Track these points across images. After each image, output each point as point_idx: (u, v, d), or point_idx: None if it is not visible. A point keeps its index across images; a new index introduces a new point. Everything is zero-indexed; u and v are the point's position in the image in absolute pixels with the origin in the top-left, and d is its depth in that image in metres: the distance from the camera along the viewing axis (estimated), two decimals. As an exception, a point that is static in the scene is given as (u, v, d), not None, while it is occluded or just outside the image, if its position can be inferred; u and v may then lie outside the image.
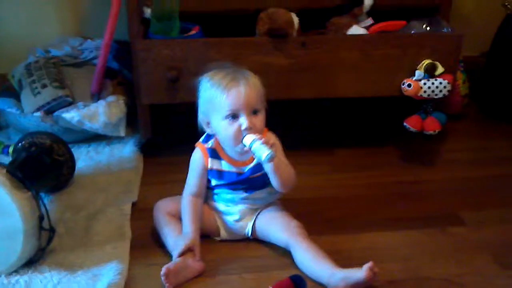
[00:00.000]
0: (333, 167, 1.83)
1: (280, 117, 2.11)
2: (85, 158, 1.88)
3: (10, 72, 2.03)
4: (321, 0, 1.80)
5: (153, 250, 1.44)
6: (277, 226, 1.43)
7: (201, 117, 1.41)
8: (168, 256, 1.40)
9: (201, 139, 1.46)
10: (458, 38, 1.70)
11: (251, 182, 1.44)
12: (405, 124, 1.75)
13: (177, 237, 1.39)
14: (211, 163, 1.43)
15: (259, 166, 1.40)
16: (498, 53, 2.13)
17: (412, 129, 1.74)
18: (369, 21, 1.77)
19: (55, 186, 1.66)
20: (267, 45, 1.67)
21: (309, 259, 1.33)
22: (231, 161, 1.42)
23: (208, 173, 1.44)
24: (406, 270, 1.37)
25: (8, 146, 1.85)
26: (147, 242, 1.47)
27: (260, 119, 1.37)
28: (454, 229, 1.53)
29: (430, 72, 1.67)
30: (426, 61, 1.68)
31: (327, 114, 2.18)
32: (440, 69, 1.68)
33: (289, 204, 1.58)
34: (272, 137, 1.40)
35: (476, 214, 1.59)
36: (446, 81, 1.69)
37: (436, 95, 1.69)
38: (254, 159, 1.37)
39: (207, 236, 1.47)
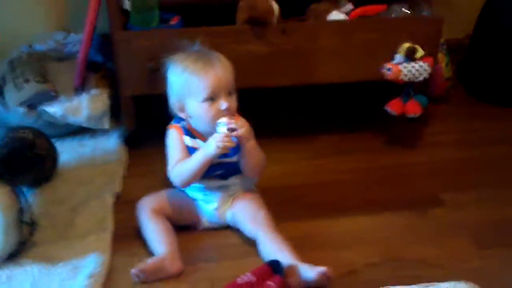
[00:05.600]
0: (315, 153, 1.83)
1: (262, 104, 2.11)
2: (69, 151, 1.88)
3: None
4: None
5: (136, 241, 1.45)
6: (245, 216, 1.43)
7: (173, 102, 1.41)
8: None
9: (171, 122, 1.46)
10: (438, 21, 1.70)
11: (226, 167, 1.45)
12: (386, 107, 1.75)
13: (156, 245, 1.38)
14: (187, 141, 1.44)
15: (233, 150, 1.40)
16: (482, 34, 2.13)
17: (393, 112, 1.75)
18: (349, 6, 1.77)
19: (38, 180, 1.67)
20: (246, 33, 1.67)
21: (271, 250, 1.33)
22: (205, 139, 1.42)
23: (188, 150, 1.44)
24: (384, 253, 1.39)
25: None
26: (129, 233, 1.48)
27: (234, 100, 1.40)
28: (434, 211, 1.55)
29: (410, 56, 1.67)
30: (406, 45, 1.68)
31: (310, 100, 2.17)
32: (420, 52, 1.68)
33: (270, 191, 1.60)
34: (243, 121, 1.41)
35: (457, 196, 1.60)
36: (426, 64, 1.69)
37: (416, 78, 1.69)
38: None
39: (189, 227, 1.48)
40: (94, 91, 1.92)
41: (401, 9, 1.75)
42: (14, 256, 1.38)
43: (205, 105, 1.36)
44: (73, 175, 1.75)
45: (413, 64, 1.68)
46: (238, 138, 1.37)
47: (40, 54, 2.04)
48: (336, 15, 1.72)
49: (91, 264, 1.36)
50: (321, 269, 1.25)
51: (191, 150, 1.43)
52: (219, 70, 1.36)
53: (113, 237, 1.47)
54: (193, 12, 1.80)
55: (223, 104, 1.35)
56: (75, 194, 1.65)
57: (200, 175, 1.42)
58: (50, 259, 1.38)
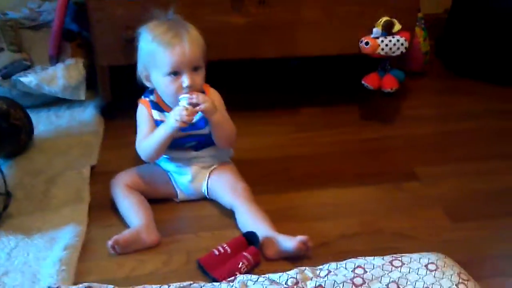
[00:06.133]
0: (298, 126, 1.84)
1: (244, 76, 2.11)
2: (45, 122, 1.86)
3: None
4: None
5: (112, 213, 1.45)
6: (223, 188, 1.44)
7: (140, 70, 1.40)
8: (126, 217, 1.41)
9: (142, 96, 1.45)
10: (415, -6, 1.70)
11: (198, 139, 1.45)
12: (363, 82, 1.75)
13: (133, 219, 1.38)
14: (155, 115, 1.43)
15: (204, 121, 1.41)
16: (460, 9, 2.13)
17: (370, 87, 1.75)
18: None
19: (13, 151, 1.65)
20: (223, 4, 1.65)
21: (249, 221, 1.34)
22: None
23: (156, 124, 1.43)
24: (361, 224, 1.41)
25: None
26: (105, 204, 1.47)
27: (200, 76, 1.38)
28: (409, 184, 1.57)
29: (387, 30, 1.67)
30: (384, 18, 1.68)
31: (292, 73, 2.17)
32: (397, 26, 1.68)
33: (254, 164, 1.61)
34: (212, 95, 1.41)
35: (432, 170, 1.63)
36: (403, 38, 1.69)
37: (393, 52, 1.69)
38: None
39: (165, 199, 1.48)
40: (69, 61, 1.89)
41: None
42: (-10, 227, 1.37)
43: (168, 79, 1.35)
44: (49, 146, 1.74)
45: (390, 38, 1.68)
46: (202, 112, 1.36)
47: (14, 22, 1.99)
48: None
49: (67, 235, 1.36)
50: (301, 238, 1.26)
51: (159, 124, 1.42)
52: (186, 45, 1.33)
53: (89, 208, 1.46)
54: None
55: (185, 81, 1.34)
56: (51, 166, 1.64)
57: (164, 149, 1.41)
58: (27, 231, 1.38)
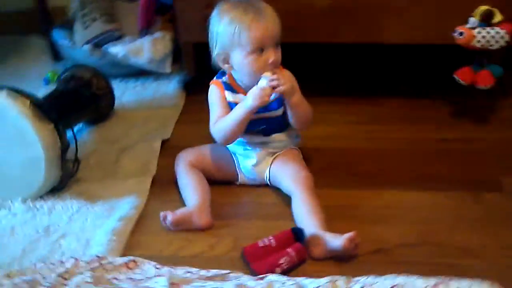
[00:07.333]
0: (373, 117, 1.73)
1: (325, 60, 2.01)
2: (131, 92, 1.93)
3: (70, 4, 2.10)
4: None
5: (174, 188, 1.45)
6: (286, 174, 1.40)
7: (218, 53, 1.38)
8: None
9: (215, 77, 1.44)
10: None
11: (269, 123, 1.42)
12: (455, 75, 1.60)
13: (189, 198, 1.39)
14: (228, 96, 1.42)
15: (277, 102, 1.38)
16: None
17: (462, 81, 1.59)
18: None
19: (94, 118, 1.72)
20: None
21: (302, 212, 1.30)
22: (247, 93, 1.38)
23: (230, 105, 1.42)
24: (421, 234, 1.28)
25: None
26: (170, 179, 1.48)
27: (280, 53, 1.37)
28: (489, 195, 1.40)
29: (486, 20, 1.50)
30: (482, 7, 1.51)
31: (376, 58, 2.03)
32: (498, 17, 1.50)
33: (317, 153, 1.55)
34: (287, 75, 1.37)
35: (519, 181, 1.45)
36: (504, 30, 1.51)
37: (491, 45, 1.52)
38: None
39: (227, 182, 1.47)
40: (157, 34, 1.93)
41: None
42: (58, 190, 1.45)
43: (253, 56, 1.34)
44: (129, 116, 1.80)
45: (488, 29, 1.50)
46: (282, 93, 1.34)
47: (110, -7, 2.06)
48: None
49: (126, 206, 1.40)
50: (348, 235, 1.19)
51: (232, 106, 1.41)
52: (268, 22, 1.33)
53: (153, 182, 1.49)
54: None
55: (271, 56, 1.33)
56: (127, 135, 1.70)
57: (242, 131, 1.39)
58: (91, 197, 1.44)
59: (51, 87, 1.77)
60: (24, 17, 2.23)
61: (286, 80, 1.34)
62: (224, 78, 1.42)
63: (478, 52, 1.56)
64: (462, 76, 1.59)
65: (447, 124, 1.69)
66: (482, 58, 1.58)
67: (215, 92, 1.43)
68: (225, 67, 1.39)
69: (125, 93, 1.92)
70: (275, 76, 1.32)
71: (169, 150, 1.62)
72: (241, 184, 1.48)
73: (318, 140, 1.61)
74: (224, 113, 1.40)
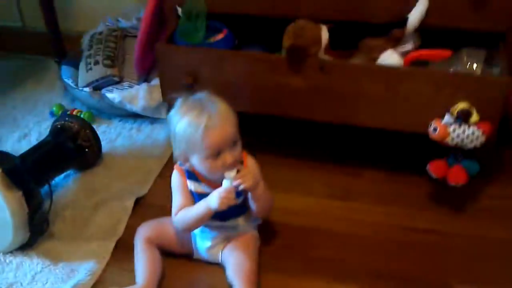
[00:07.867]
0: (348, 191, 1.70)
1: (304, 128, 1.91)
2: (125, 135, 1.99)
3: (85, 32, 2.19)
4: (367, 13, 1.56)
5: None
6: (230, 263, 1.42)
7: (177, 154, 1.41)
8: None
9: (178, 162, 1.46)
10: (504, 84, 1.41)
11: (228, 209, 1.41)
12: (427, 168, 1.55)
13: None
14: (191, 185, 1.44)
15: (237, 193, 1.39)
16: None
17: (433, 175, 1.54)
18: (409, 46, 1.53)
19: (79, 168, 1.81)
20: (283, 65, 1.56)
21: None
22: (210, 183, 1.41)
23: (192, 194, 1.45)
24: None
25: (67, 111, 2.04)
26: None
27: (239, 149, 1.37)
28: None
29: (463, 119, 1.43)
30: (461, 105, 1.44)
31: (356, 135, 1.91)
32: (475, 117, 1.43)
33: (277, 229, 1.55)
34: (250, 166, 1.40)
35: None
36: (480, 130, 1.43)
37: (465, 145, 1.46)
38: None
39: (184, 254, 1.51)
40: (155, 81, 1.97)
41: (471, 57, 1.47)
42: (29, 246, 1.54)
43: (209, 161, 1.35)
44: (116, 165, 1.86)
45: (464, 128, 1.44)
46: (244, 189, 1.36)
47: (120, 31, 2.12)
48: (389, 56, 1.51)
49: (84, 271, 1.47)
50: None
51: (195, 195, 1.43)
52: (223, 126, 1.32)
53: (119, 244, 1.56)
54: (245, 23, 1.72)
55: (228, 159, 1.33)
56: (108, 188, 1.75)
57: (201, 225, 1.44)
58: (56, 257, 1.51)
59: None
60: (46, 38, 2.26)
61: (249, 177, 1.34)
62: (187, 166, 1.43)
63: (453, 147, 1.50)
64: (435, 170, 1.53)
65: (423, 208, 1.63)
66: (457, 152, 1.52)
67: (177, 179, 1.45)
68: (186, 165, 1.41)
69: (120, 135, 1.98)
70: (238, 177, 1.33)
71: (142, 208, 1.67)
72: (197, 259, 1.52)
73: (283, 215, 1.59)
74: (185, 202, 1.43)
